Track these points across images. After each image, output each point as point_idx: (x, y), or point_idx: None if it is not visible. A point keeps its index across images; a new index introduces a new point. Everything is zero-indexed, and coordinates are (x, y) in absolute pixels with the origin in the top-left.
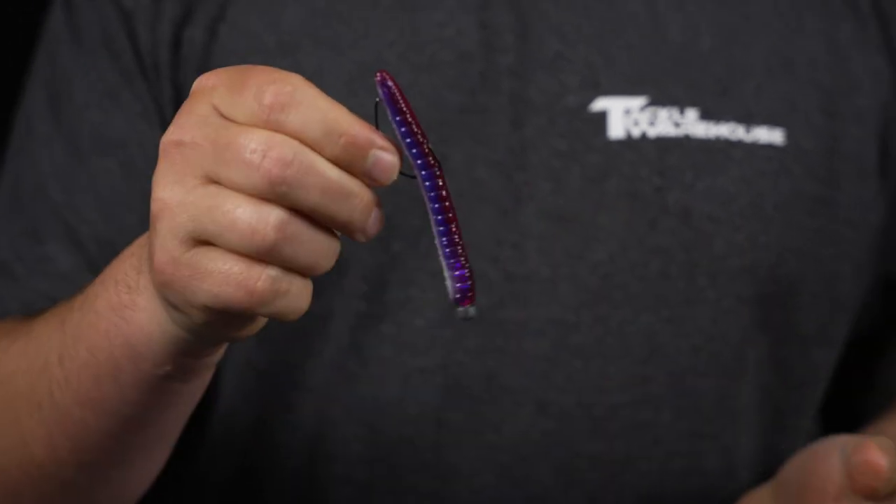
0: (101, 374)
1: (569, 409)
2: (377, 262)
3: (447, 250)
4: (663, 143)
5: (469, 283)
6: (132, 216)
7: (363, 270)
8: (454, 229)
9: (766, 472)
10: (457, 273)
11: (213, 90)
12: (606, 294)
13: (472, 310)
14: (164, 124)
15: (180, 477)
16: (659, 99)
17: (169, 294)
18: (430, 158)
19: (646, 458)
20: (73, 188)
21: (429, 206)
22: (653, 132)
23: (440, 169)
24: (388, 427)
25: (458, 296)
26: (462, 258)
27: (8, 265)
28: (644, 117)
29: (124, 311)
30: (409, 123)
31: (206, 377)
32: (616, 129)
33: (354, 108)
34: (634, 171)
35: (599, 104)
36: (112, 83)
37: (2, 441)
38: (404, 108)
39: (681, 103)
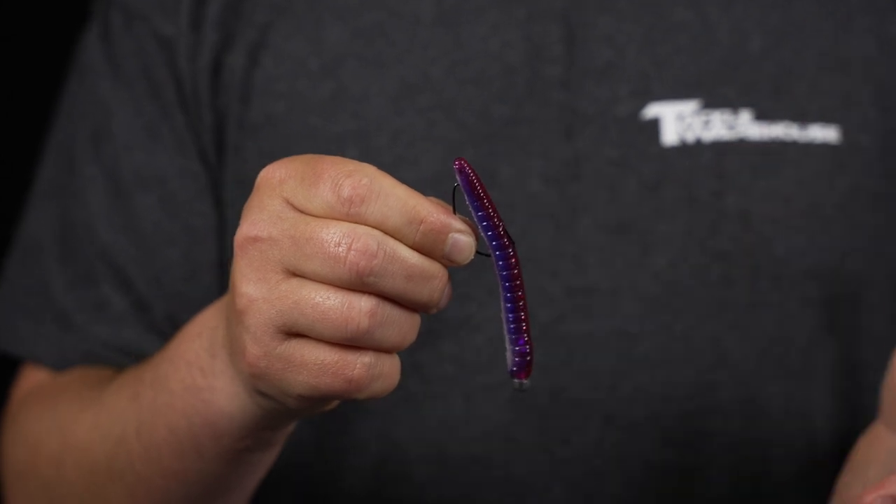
0: (183, 451)
1: (637, 420)
2: None
3: (512, 326)
4: (718, 146)
5: (529, 358)
6: (175, 251)
7: None
8: (521, 306)
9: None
10: (517, 348)
11: (282, 183)
12: (669, 302)
13: (526, 383)
14: (202, 154)
15: None
16: (711, 102)
17: (262, 385)
18: (505, 240)
19: (716, 466)
20: (117, 227)
21: (500, 283)
22: (707, 136)
23: (514, 250)
24: (456, 446)
25: (515, 368)
26: (526, 335)
27: (66, 313)
28: (697, 121)
29: (201, 393)
30: (486, 208)
31: (282, 443)
32: (669, 135)
33: (401, 126)
34: (690, 176)
35: (652, 111)
36: (151, 118)
37: None
38: (482, 194)
39: (734, 105)
